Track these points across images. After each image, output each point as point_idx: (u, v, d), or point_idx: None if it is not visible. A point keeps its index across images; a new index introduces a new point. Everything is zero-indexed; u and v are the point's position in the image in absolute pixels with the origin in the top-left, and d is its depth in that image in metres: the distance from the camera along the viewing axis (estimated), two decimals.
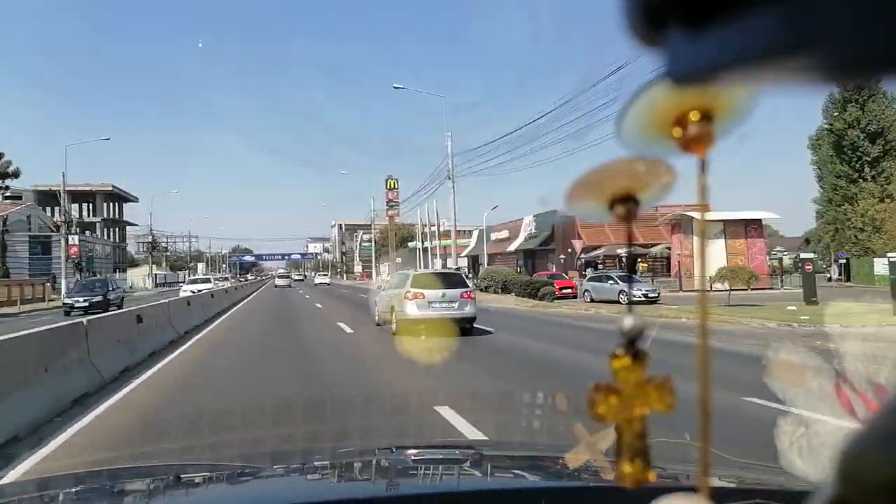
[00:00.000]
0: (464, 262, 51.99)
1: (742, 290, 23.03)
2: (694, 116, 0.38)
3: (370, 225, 69.82)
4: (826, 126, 42.21)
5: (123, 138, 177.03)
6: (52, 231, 51.02)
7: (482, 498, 1.58)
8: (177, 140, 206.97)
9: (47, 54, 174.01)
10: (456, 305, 13.48)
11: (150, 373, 9.31)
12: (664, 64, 0.32)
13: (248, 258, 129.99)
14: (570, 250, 42.22)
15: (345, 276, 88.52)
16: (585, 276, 32.24)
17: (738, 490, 1.39)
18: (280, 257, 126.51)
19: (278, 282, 55.16)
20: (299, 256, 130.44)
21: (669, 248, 36.55)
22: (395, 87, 48.82)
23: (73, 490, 1.87)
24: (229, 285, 38.06)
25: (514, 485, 1.78)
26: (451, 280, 14.38)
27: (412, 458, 2.09)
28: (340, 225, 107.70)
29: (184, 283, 41.70)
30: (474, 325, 14.05)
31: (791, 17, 0.26)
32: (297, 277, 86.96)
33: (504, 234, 52.11)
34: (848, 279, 39.07)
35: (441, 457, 2.15)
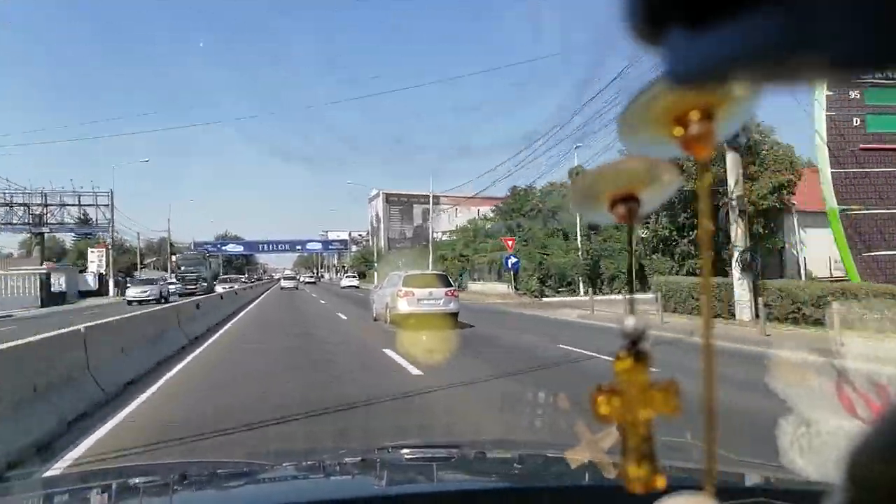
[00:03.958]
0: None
1: None
2: (695, 115, 0.38)
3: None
4: None
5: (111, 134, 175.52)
6: None
7: (483, 497, 1.58)
8: (172, 138, 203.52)
9: (42, 52, 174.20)
10: (441, 302, 15.14)
11: None
12: (665, 63, 0.32)
13: (233, 248, 78.40)
14: None
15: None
16: None
17: (740, 488, 1.39)
18: (286, 247, 79.18)
19: (284, 283, 58.25)
20: (319, 246, 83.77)
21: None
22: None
23: (80, 488, 1.87)
24: None
25: (515, 484, 1.77)
26: (437, 280, 15.98)
27: (412, 457, 2.09)
28: (386, 195, 67.64)
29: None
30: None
31: (792, 15, 0.26)
32: (308, 280, 71.05)
33: None
34: None
35: (441, 456, 2.15)
